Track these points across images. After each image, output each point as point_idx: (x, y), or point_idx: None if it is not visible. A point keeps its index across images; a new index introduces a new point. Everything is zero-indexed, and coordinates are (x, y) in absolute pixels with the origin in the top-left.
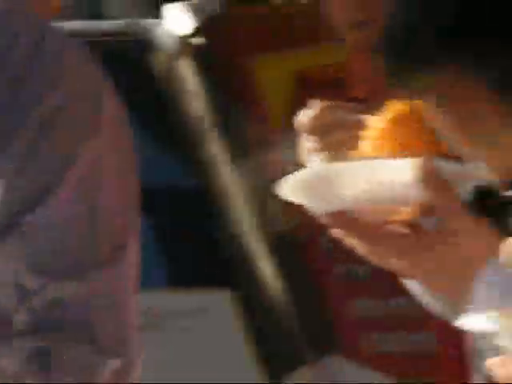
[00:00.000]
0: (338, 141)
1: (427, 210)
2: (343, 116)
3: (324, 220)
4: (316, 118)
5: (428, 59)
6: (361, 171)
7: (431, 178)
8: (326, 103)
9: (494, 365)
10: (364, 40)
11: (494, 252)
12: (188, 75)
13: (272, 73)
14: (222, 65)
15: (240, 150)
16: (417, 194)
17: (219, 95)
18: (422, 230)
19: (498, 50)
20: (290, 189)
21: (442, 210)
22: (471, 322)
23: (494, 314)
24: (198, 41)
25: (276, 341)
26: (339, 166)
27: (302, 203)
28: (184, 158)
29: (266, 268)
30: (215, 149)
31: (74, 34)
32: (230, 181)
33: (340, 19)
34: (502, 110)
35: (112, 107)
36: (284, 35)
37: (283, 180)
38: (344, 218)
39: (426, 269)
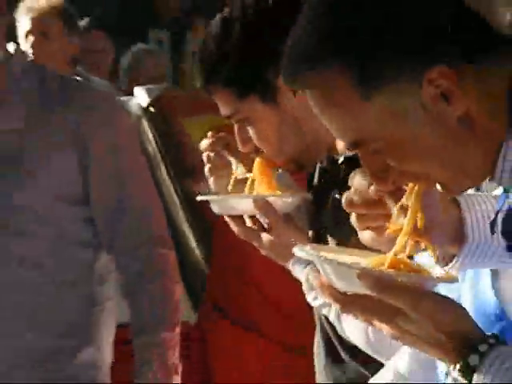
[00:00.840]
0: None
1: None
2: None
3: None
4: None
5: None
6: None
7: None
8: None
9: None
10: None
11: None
12: (148, 128)
13: (197, 128)
14: (167, 123)
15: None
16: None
17: (166, 140)
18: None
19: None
20: None
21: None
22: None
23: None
24: (152, 109)
25: (195, 285)
26: None
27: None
28: None
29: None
30: (162, 174)
31: None
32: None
33: None
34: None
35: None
36: (205, 105)
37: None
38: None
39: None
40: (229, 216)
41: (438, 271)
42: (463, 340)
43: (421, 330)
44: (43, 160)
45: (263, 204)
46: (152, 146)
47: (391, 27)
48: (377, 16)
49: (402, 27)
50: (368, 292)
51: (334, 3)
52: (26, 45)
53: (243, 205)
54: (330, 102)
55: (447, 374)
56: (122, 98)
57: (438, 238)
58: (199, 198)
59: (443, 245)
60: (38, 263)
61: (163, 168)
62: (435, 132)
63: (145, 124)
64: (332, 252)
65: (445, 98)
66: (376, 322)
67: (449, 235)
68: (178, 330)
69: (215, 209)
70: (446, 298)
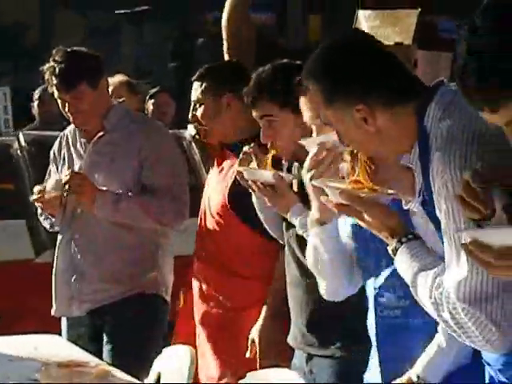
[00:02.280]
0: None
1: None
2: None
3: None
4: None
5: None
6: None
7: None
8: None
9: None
10: None
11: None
12: (194, 147)
13: None
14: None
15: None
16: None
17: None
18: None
19: None
20: None
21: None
22: None
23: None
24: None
25: None
26: None
27: None
28: None
29: None
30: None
31: None
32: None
33: None
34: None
35: None
36: None
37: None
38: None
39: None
40: (254, 182)
41: (390, 191)
42: (393, 231)
43: (372, 223)
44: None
45: (278, 176)
46: (196, 154)
47: (344, 77)
48: (341, 72)
49: (351, 79)
50: (346, 202)
51: (328, 62)
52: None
53: (266, 176)
54: (311, 103)
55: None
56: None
57: (397, 187)
58: (239, 168)
59: (403, 192)
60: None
61: (201, 163)
62: (360, 135)
63: (193, 145)
64: (335, 183)
65: (364, 119)
66: (352, 215)
67: (407, 186)
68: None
69: (247, 176)
70: (387, 207)
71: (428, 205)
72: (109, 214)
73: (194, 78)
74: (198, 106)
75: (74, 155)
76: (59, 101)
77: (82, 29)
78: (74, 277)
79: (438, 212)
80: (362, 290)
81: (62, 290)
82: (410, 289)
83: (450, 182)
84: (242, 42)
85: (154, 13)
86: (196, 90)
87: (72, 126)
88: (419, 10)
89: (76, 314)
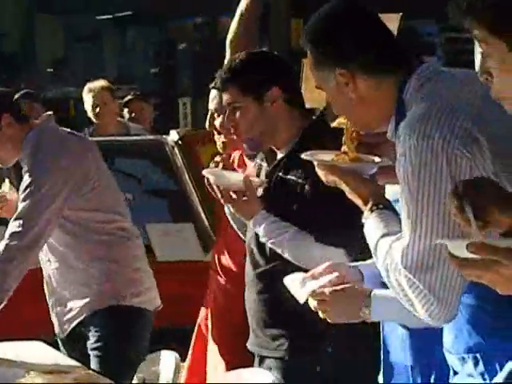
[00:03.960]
0: None
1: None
2: None
3: None
4: None
5: None
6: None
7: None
8: None
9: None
10: None
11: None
12: (178, 152)
13: (205, 152)
14: (187, 150)
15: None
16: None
17: (187, 158)
18: None
19: None
20: None
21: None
22: None
23: None
24: (180, 142)
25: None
26: None
27: None
28: None
29: None
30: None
31: None
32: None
33: None
34: None
35: None
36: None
37: None
38: None
39: None
40: (218, 186)
41: (377, 159)
42: (366, 200)
43: (348, 192)
44: None
45: (248, 181)
46: (180, 161)
47: (329, 42)
48: (327, 36)
49: (335, 44)
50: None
51: (316, 27)
52: None
53: (234, 179)
54: (308, 66)
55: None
56: (162, 136)
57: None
58: (204, 171)
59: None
60: None
61: (186, 172)
62: (344, 99)
63: (176, 149)
64: (323, 155)
65: (346, 84)
66: (331, 184)
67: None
68: None
69: (213, 180)
70: (360, 176)
71: None
72: None
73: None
74: (217, 114)
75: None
76: None
77: (64, 35)
78: (52, 301)
79: (399, 181)
80: None
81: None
82: (373, 255)
83: (409, 150)
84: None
85: (137, 18)
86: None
87: None
88: (401, 14)
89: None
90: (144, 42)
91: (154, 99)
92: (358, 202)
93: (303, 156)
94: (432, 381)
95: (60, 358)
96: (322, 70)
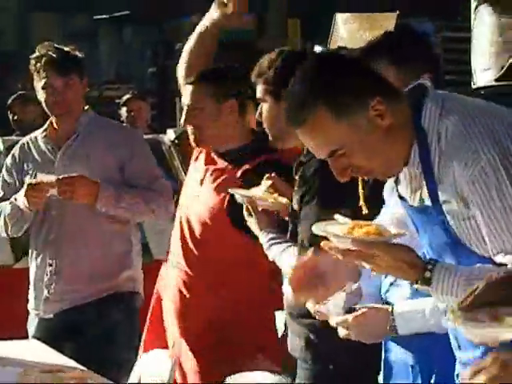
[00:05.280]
0: None
1: None
2: None
3: None
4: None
5: None
6: None
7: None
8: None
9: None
10: None
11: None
12: (174, 150)
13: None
14: (183, 149)
15: None
16: None
17: (182, 156)
18: None
19: None
20: None
21: None
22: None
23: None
24: (176, 141)
25: None
26: None
27: None
28: None
29: None
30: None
31: None
32: None
33: None
34: None
35: None
36: None
37: None
38: None
39: None
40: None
41: (393, 230)
42: (414, 264)
43: (384, 263)
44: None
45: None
46: (176, 160)
47: (346, 85)
48: (338, 81)
49: (352, 85)
50: (355, 248)
51: (314, 75)
52: None
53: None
54: (316, 131)
55: (411, 285)
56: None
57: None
58: (231, 190)
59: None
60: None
61: (181, 168)
62: (373, 139)
63: (173, 148)
64: (334, 229)
65: (380, 116)
66: (362, 264)
67: None
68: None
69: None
70: (397, 244)
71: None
72: (111, 208)
73: (191, 80)
74: (192, 109)
75: (41, 162)
76: (44, 92)
77: (61, 34)
78: (48, 277)
79: (464, 210)
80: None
81: (37, 291)
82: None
83: (488, 165)
84: None
85: (134, 17)
86: (194, 93)
87: (32, 135)
88: (397, 12)
89: (48, 315)
90: (141, 41)
91: (151, 98)
92: (403, 270)
93: (315, 231)
94: (432, 381)
95: (58, 358)
96: (346, 118)
